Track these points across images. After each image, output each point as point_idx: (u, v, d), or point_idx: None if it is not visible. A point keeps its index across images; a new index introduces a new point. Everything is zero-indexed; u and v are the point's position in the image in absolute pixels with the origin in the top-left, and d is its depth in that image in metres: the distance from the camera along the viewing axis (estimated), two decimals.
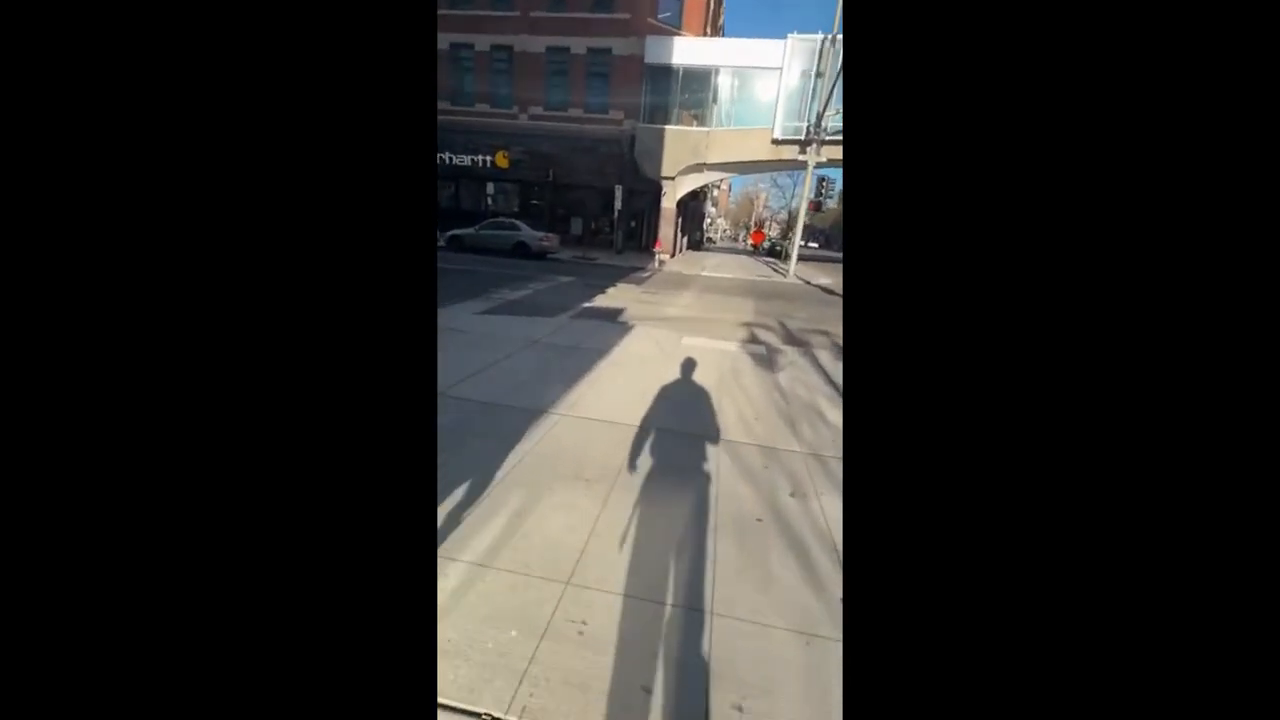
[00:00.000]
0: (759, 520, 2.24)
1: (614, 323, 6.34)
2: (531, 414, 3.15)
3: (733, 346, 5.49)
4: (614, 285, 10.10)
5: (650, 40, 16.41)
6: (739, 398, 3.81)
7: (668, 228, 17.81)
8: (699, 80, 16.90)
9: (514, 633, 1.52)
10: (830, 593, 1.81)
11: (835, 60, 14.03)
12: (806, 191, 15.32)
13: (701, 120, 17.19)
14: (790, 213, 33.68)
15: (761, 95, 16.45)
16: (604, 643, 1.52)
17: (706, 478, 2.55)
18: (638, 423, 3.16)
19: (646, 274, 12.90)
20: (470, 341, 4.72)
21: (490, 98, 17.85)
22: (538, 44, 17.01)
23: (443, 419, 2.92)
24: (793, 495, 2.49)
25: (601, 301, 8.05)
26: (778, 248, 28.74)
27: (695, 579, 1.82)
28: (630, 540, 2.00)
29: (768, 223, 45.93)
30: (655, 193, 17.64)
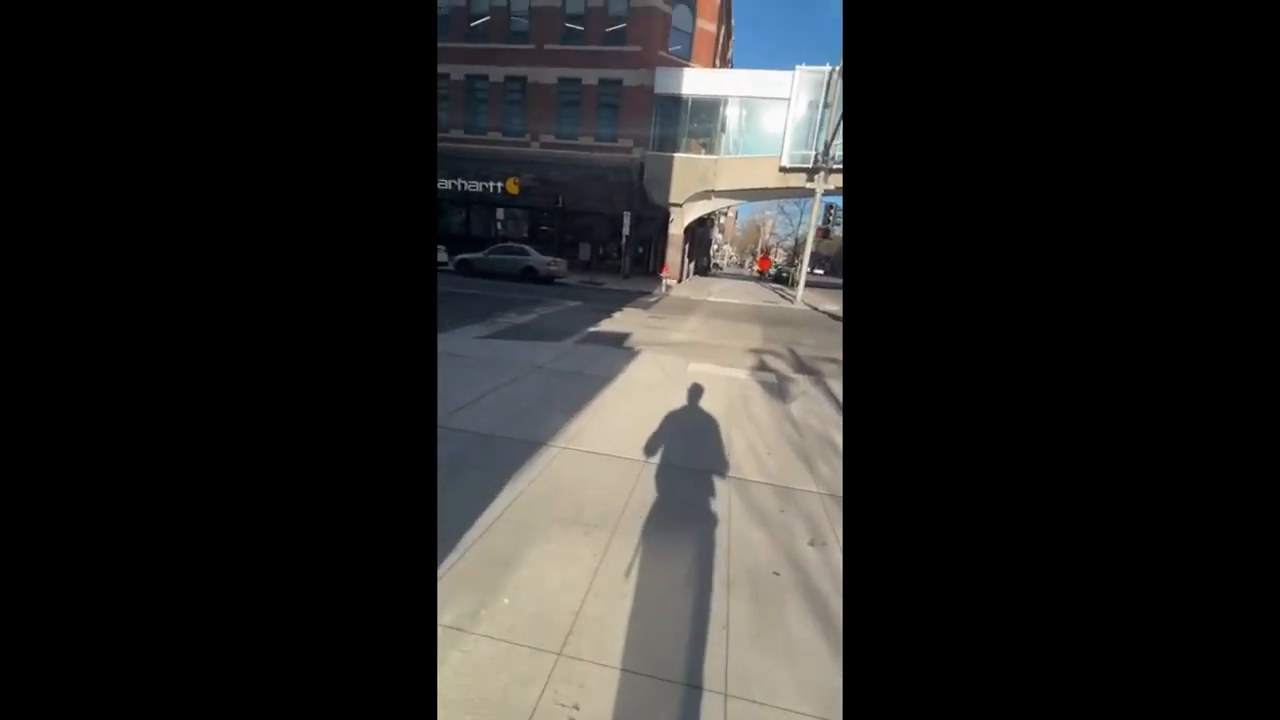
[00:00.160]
0: (776, 574, 2.00)
1: (619, 348, 6.18)
2: (530, 446, 2.95)
3: (741, 374, 5.29)
4: (620, 310, 9.99)
5: (660, 71, 16.79)
6: (749, 429, 3.60)
7: (675, 253, 17.87)
8: (708, 110, 17.20)
9: None
10: None
11: (842, 91, 14.20)
12: (814, 219, 15.32)
13: (710, 148, 17.41)
14: (797, 239, 33.85)
15: (769, 125, 16.67)
16: None
17: (716, 522, 2.32)
18: (642, 456, 2.95)
19: (653, 299, 12.81)
20: (471, 367, 4.56)
21: (503, 127, 18.25)
22: (550, 75, 17.45)
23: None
24: (812, 544, 2.25)
25: (607, 326, 7.92)
26: (784, 274, 28.81)
27: (706, 649, 1.59)
28: (632, 599, 1.77)
29: (774, 249, 46.17)
30: (663, 219, 17.78)
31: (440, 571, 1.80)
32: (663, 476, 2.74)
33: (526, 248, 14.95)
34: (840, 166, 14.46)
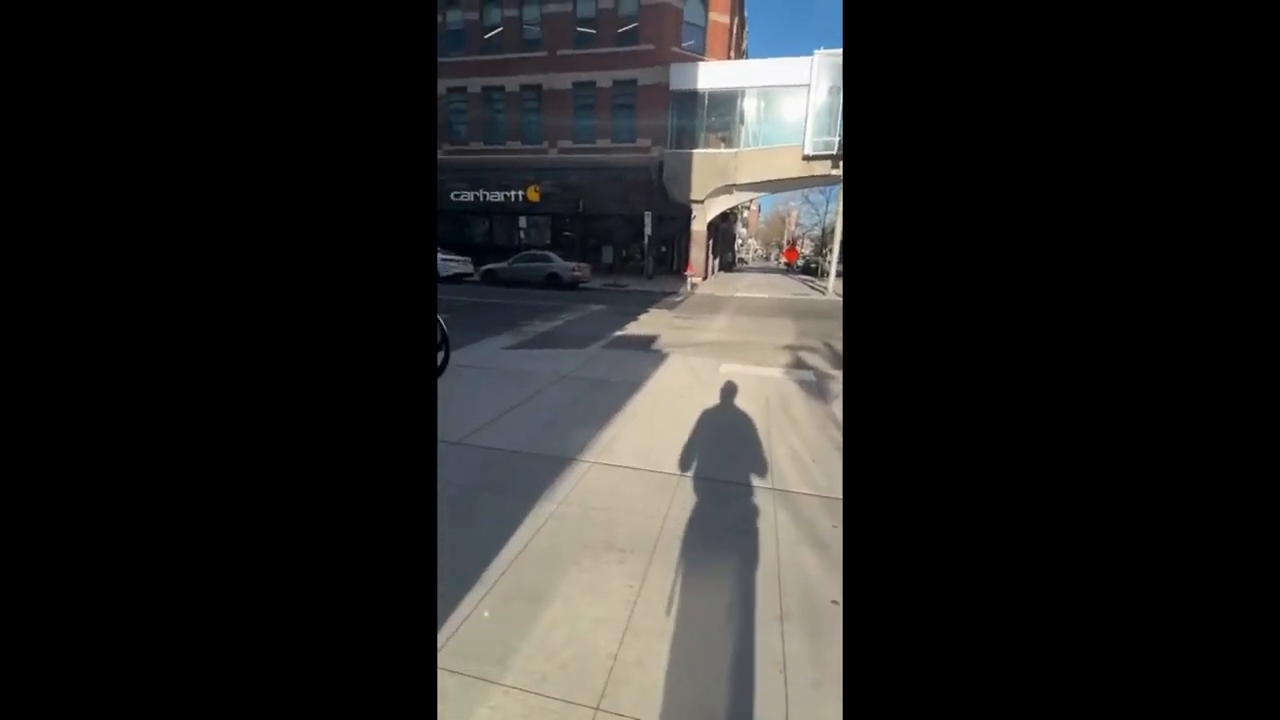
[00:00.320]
0: (835, 603, 1.78)
1: (647, 351, 6.01)
2: (557, 463, 2.81)
3: (776, 372, 5.04)
4: (646, 312, 9.82)
5: (675, 68, 16.57)
6: (790, 434, 3.36)
7: (698, 251, 17.60)
8: (725, 103, 16.88)
9: None
10: None
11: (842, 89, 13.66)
12: (841, 205, 14.78)
13: (729, 142, 17.08)
14: (824, 229, 32.94)
15: (789, 114, 16.21)
16: None
17: (762, 542, 2.12)
18: (676, 470, 2.77)
19: (678, 298, 12.60)
20: (496, 379, 4.47)
21: (521, 135, 18.40)
22: (564, 81, 17.48)
23: (458, 474, 2.62)
24: None
25: (633, 329, 7.76)
26: (812, 264, 28.07)
27: (762, 696, 1.39)
28: (673, 637, 1.59)
29: (800, 240, 45.12)
30: (685, 217, 17.54)
31: (463, 612, 1.66)
32: (700, 491, 2.54)
33: (550, 254, 14.98)
34: None
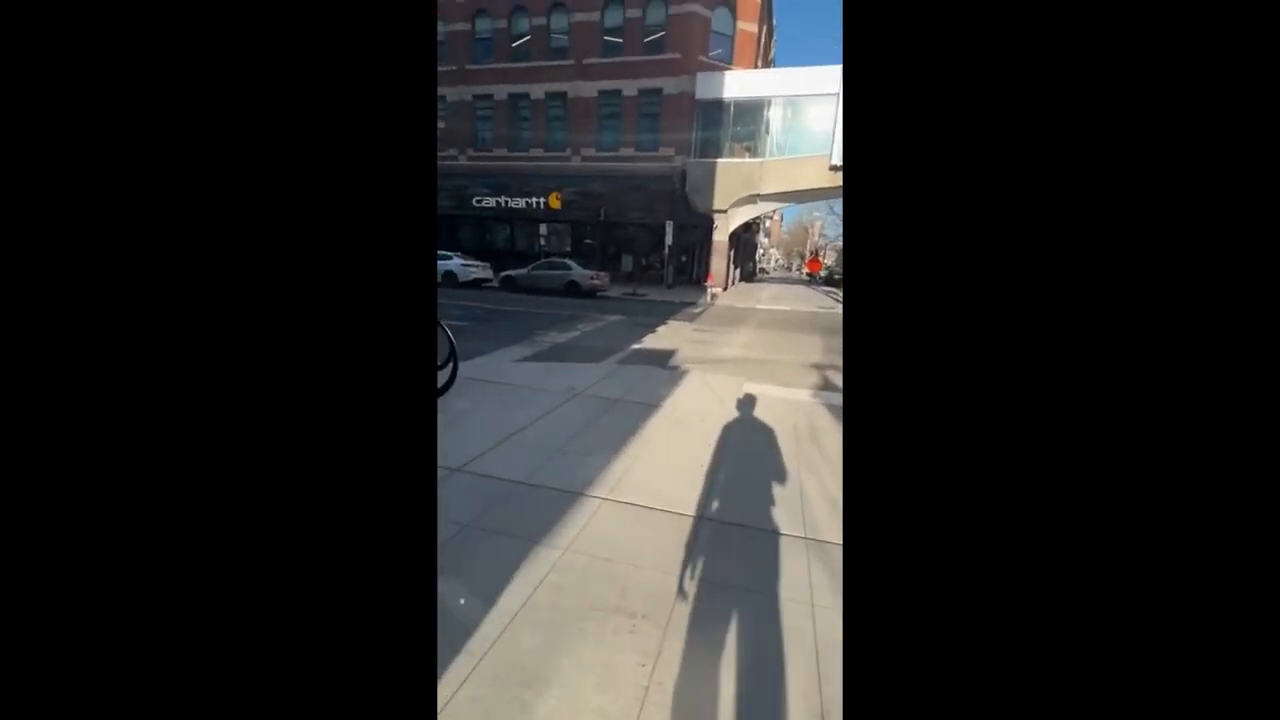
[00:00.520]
0: None
1: (665, 367, 5.75)
2: (565, 498, 2.56)
3: (804, 395, 4.72)
4: (664, 323, 9.57)
5: (701, 77, 16.41)
6: (823, 469, 3.05)
7: (720, 261, 17.32)
8: (751, 112, 16.63)
9: None
10: None
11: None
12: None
13: (754, 151, 16.81)
14: None
15: (815, 123, 15.88)
16: None
17: (795, 611, 1.82)
18: (696, 511, 2.49)
19: (698, 309, 12.32)
20: (507, 395, 4.26)
21: (545, 142, 18.42)
22: (590, 89, 17.46)
23: (455, 508, 2.39)
24: None
25: (651, 342, 7.51)
26: (835, 276, 27.49)
27: None
28: None
29: (823, 251, 44.40)
30: (706, 227, 17.30)
31: (443, 695, 1.41)
32: (723, 539, 2.26)
33: (569, 262, 14.88)
34: None
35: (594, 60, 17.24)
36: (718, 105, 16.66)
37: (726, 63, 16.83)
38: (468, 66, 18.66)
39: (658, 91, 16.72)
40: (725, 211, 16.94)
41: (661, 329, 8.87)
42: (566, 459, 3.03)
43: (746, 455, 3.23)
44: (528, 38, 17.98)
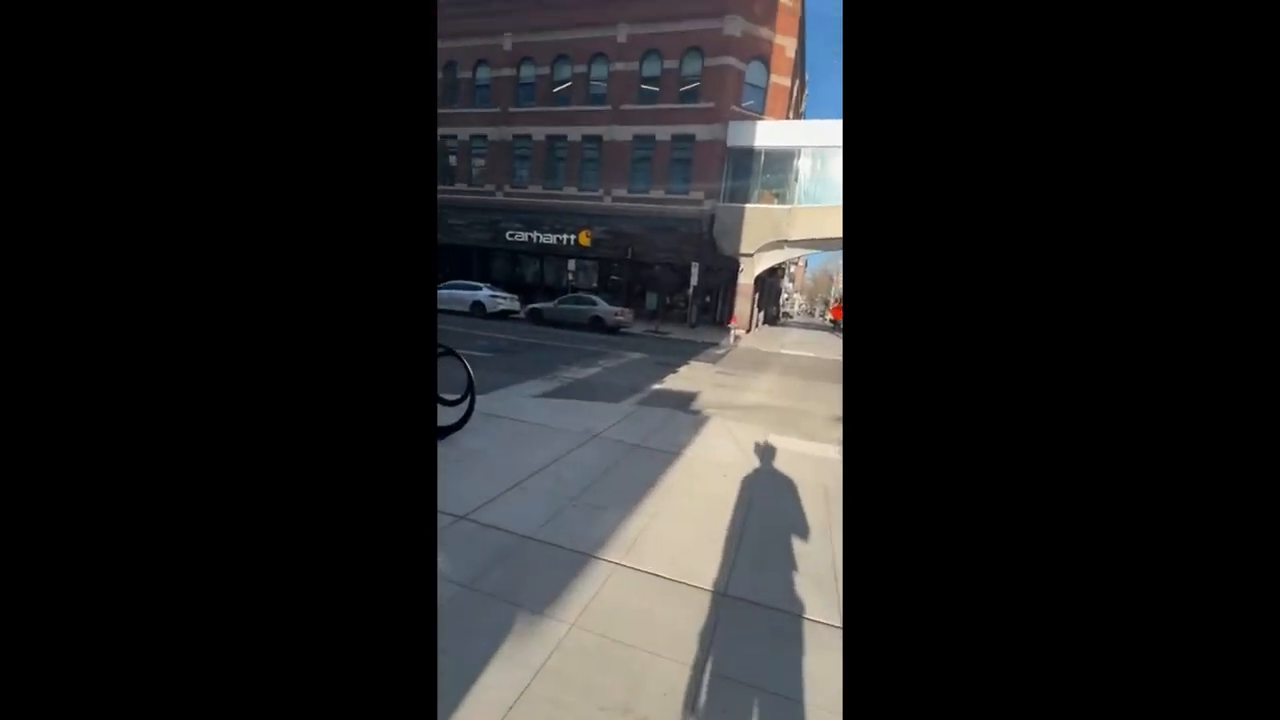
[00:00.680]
0: None
1: (686, 411, 5.54)
2: (575, 560, 2.35)
3: (832, 451, 4.43)
4: (687, 363, 9.40)
5: (733, 125, 16.84)
6: None
7: (744, 303, 17.26)
8: (781, 161, 16.91)
9: None
10: None
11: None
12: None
13: (783, 198, 16.99)
14: None
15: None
16: None
17: (825, 718, 1.55)
18: (717, 585, 2.24)
19: (721, 350, 12.14)
20: (521, 434, 4.11)
21: (578, 181, 19.01)
22: (625, 133, 18.08)
23: (454, 564, 2.20)
24: None
25: (673, 383, 7.33)
26: None
27: None
28: None
29: None
30: (731, 269, 17.36)
31: None
32: (747, 623, 2.01)
33: (595, 297, 15.03)
34: None
35: (630, 107, 17.92)
36: (748, 153, 17.00)
37: (759, 113, 17.28)
38: (510, 109, 19.62)
39: (690, 138, 17.19)
40: (751, 255, 17.00)
41: (684, 369, 8.70)
42: (579, 512, 2.82)
43: (773, 520, 2.98)
44: (569, 84, 18.87)
